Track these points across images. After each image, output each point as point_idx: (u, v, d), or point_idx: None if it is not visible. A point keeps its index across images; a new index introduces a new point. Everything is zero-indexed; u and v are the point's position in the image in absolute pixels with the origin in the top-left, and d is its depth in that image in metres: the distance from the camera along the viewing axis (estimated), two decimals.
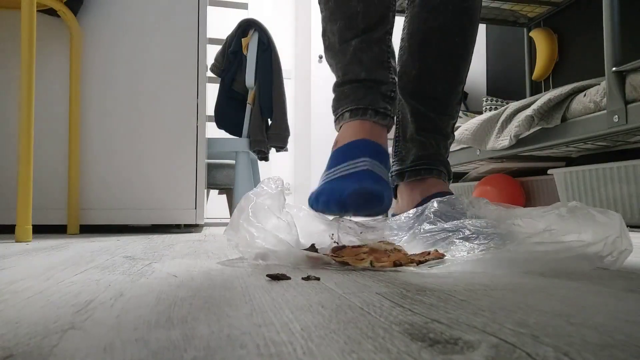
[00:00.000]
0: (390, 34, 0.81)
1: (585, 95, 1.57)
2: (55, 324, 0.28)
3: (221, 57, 2.27)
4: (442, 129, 0.94)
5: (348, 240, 0.64)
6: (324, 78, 3.18)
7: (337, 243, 0.63)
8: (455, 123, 0.97)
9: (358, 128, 0.77)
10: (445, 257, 0.55)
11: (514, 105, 1.87)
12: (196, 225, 1.61)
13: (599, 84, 1.53)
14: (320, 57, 3.19)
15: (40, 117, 1.33)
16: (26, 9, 1.04)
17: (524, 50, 2.65)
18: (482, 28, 2.98)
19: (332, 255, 0.57)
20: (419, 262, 0.53)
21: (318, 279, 0.45)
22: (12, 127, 1.30)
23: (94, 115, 1.38)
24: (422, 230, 0.64)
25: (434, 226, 0.63)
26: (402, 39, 0.95)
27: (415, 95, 0.93)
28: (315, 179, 3.11)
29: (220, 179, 2.37)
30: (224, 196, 2.64)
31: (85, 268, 0.54)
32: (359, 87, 0.79)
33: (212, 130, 2.25)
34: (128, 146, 1.39)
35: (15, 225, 1.01)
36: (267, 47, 2.18)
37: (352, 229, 0.67)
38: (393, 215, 0.79)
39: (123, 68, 1.40)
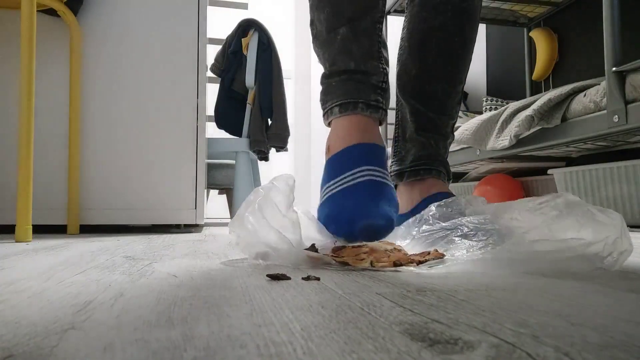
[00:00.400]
0: (381, 23, 0.78)
1: (585, 95, 1.57)
2: (55, 324, 0.28)
3: (221, 57, 2.27)
4: (441, 129, 0.93)
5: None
6: None
7: (335, 243, 0.63)
8: (455, 123, 0.97)
9: (349, 126, 0.73)
10: (445, 257, 0.55)
11: (514, 105, 1.87)
12: (196, 225, 1.61)
13: (599, 84, 1.53)
14: None
15: (41, 117, 1.33)
16: (26, 9, 1.04)
17: (524, 50, 2.65)
18: (482, 28, 2.98)
19: (332, 256, 0.57)
20: (419, 262, 0.53)
21: (318, 279, 0.45)
22: (12, 127, 1.30)
23: (94, 115, 1.38)
24: (420, 231, 0.64)
25: (432, 226, 0.63)
26: (401, 39, 0.95)
27: (414, 95, 0.93)
28: (315, 179, 3.11)
29: (220, 179, 2.37)
30: (224, 196, 2.64)
31: (85, 268, 0.54)
32: (348, 80, 0.75)
33: (212, 130, 2.25)
34: (128, 146, 1.39)
35: (15, 225, 1.01)
36: (267, 47, 2.18)
37: None
38: None
39: (123, 68, 1.40)
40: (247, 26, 2.20)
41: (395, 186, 0.96)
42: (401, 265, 0.53)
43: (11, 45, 1.32)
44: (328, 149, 0.74)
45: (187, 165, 1.43)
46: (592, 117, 1.52)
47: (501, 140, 1.86)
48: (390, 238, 0.68)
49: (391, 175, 0.96)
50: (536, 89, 2.60)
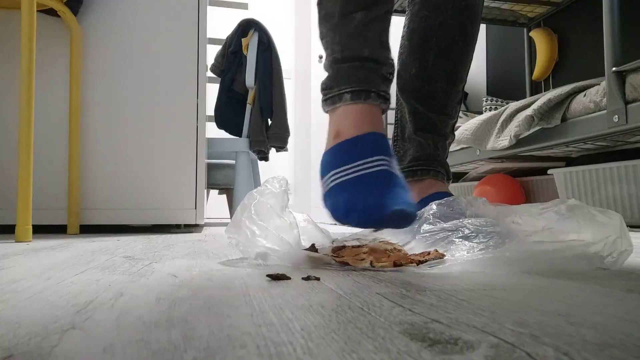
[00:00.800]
0: (391, 13, 0.77)
1: (585, 95, 1.57)
2: (55, 324, 0.28)
3: (221, 57, 2.27)
4: (440, 129, 0.93)
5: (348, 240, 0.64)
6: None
7: (333, 243, 0.64)
8: (455, 123, 0.96)
9: (362, 114, 0.72)
10: (446, 257, 0.55)
11: (514, 105, 1.87)
12: (196, 225, 1.61)
13: (599, 84, 1.53)
14: (320, 57, 3.19)
15: (41, 117, 1.33)
16: (26, 9, 1.04)
17: (524, 50, 2.65)
18: (482, 28, 2.98)
19: (332, 256, 0.57)
20: (419, 262, 0.53)
21: (318, 279, 0.45)
22: (13, 127, 1.30)
23: (94, 115, 1.38)
24: (421, 231, 0.64)
25: (433, 226, 0.63)
26: (402, 37, 0.95)
27: (414, 94, 0.92)
28: (315, 179, 3.11)
29: (220, 179, 2.37)
30: (224, 196, 2.64)
31: (85, 268, 0.54)
32: (361, 67, 0.74)
33: (212, 130, 2.25)
34: (128, 146, 1.39)
35: (15, 225, 1.01)
36: (267, 47, 2.18)
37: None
38: None
39: (123, 68, 1.40)
40: (247, 26, 2.20)
41: None
42: (401, 265, 0.53)
43: (11, 45, 1.32)
44: (337, 133, 0.72)
45: (187, 165, 1.43)
46: (592, 117, 1.52)
47: (501, 140, 1.86)
48: (391, 236, 0.68)
49: None
50: (536, 89, 2.60)
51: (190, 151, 1.43)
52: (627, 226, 1.62)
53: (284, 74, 2.30)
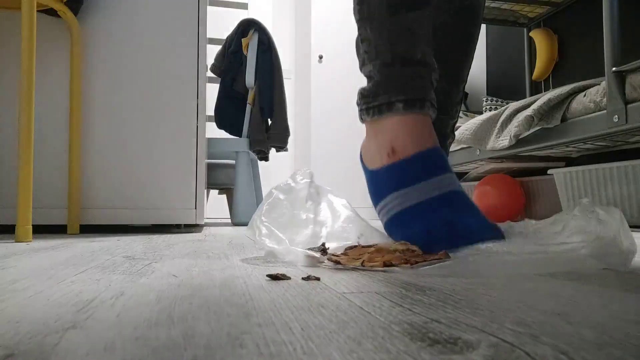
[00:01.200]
0: (432, 16, 0.72)
1: (585, 95, 1.57)
2: (56, 323, 0.28)
3: (221, 57, 2.27)
4: (440, 129, 0.93)
5: (374, 242, 0.63)
6: (324, 78, 3.18)
7: (360, 238, 0.62)
8: (455, 123, 0.96)
9: (418, 127, 0.66)
10: (450, 259, 0.54)
11: (514, 105, 1.87)
12: (196, 225, 1.61)
13: (599, 84, 1.53)
14: (320, 57, 3.19)
15: (41, 117, 1.33)
16: (26, 9, 1.04)
17: (524, 50, 2.65)
18: (482, 28, 2.98)
19: (331, 255, 0.57)
20: (415, 263, 0.52)
21: (318, 279, 0.46)
22: (12, 127, 1.30)
23: (94, 115, 1.38)
24: None
25: None
26: None
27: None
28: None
29: (220, 179, 2.37)
30: (224, 196, 2.64)
31: (85, 268, 0.54)
32: (413, 73, 0.67)
33: (212, 130, 2.25)
34: (128, 146, 1.39)
35: (15, 225, 1.01)
36: (267, 47, 2.18)
37: (380, 232, 0.65)
38: None
39: (123, 68, 1.40)
40: (247, 26, 2.20)
41: None
42: (392, 265, 0.52)
43: (11, 45, 1.33)
44: (392, 150, 0.65)
45: (187, 165, 1.43)
46: (592, 117, 1.52)
47: (501, 140, 1.86)
48: None
49: None
50: (536, 89, 2.60)
51: (190, 151, 1.43)
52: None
53: (284, 74, 2.30)
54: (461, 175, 2.61)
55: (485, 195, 2.21)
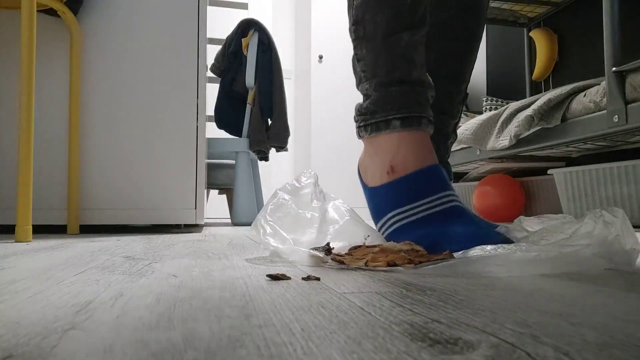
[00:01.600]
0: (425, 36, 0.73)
1: (585, 95, 1.57)
2: (55, 324, 0.28)
3: (221, 57, 2.27)
4: (442, 129, 0.93)
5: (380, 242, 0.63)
6: (324, 78, 3.18)
7: (366, 239, 0.62)
8: (457, 123, 0.96)
9: (417, 144, 0.67)
10: (455, 259, 0.53)
11: (514, 105, 1.87)
12: (196, 225, 1.61)
13: (599, 84, 1.53)
14: (320, 57, 3.19)
15: (41, 117, 1.33)
16: (26, 9, 1.04)
17: (524, 50, 2.65)
18: None
19: (334, 255, 0.58)
20: (419, 263, 0.53)
21: (318, 279, 0.45)
22: (12, 127, 1.30)
23: (94, 115, 1.38)
24: None
25: None
26: None
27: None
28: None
29: (220, 179, 2.37)
30: (224, 196, 2.64)
31: (85, 268, 0.54)
32: (410, 91, 0.69)
33: (212, 130, 2.25)
34: (128, 146, 1.39)
35: (15, 225, 1.01)
36: (267, 47, 2.18)
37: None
38: None
39: (123, 68, 1.40)
40: (247, 26, 2.20)
41: None
42: (395, 265, 0.53)
43: (11, 45, 1.32)
44: (392, 168, 0.67)
45: (187, 165, 1.43)
46: (592, 117, 1.52)
47: (501, 140, 1.86)
48: None
49: None
50: (536, 89, 2.60)
51: (190, 151, 1.43)
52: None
53: (284, 74, 2.30)
54: (461, 175, 2.61)
55: (485, 195, 2.21)
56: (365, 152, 0.73)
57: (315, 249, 0.59)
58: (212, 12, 3.31)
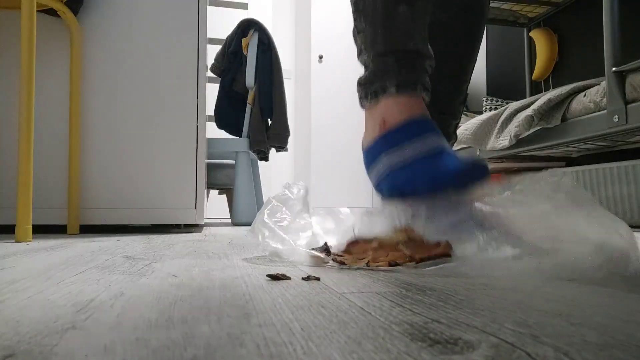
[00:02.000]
0: (431, 4, 0.75)
1: (585, 95, 1.57)
2: (56, 323, 0.28)
3: (221, 57, 2.27)
4: (443, 129, 0.93)
5: (370, 230, 0.64)
6: (324, 78, 3.18)
7: (358, 239, 0.64)
8: (458, 123, 0.96)
9: (410, 103, 0.70)
10: (452, 257, 0.53)
11: (514, 105, 1.87)
12: (196, 225, 1.61)
13: (599, 84, 1.53)
14: (320, 57, 3.19)
15: (41, 117, 1.33)
16: (26, 9, 1.04)
17: (524, 50, 2.65)
18: None
19: (333, 255, 0.59)
20: (420, 260, 0.53)
21: (318, 279, 0.45)
22: (12, 127, 1.30)
23: (94, 115, 1.38)
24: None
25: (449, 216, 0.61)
26: None
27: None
28: (315, 178, 3.11)
29: (220, 179, 2.37)
30: (224, 196, 2.64)
31: (85, 268, 0.54)
32: (406, 60, 0.71)
33: (212, 130, 2.25)
34: (128, 146, 1.39)
35: (15, 225, 1.01)
36: (267, 47, 2.18)
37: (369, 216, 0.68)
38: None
39: (123, 68, 1.40)
40: (247, 26, 2.20)
41: None
42: (397, 265, 0.53)
43: (11, 45, 1.32)
44: (383, 122, 0.70)
45: (187, 165, 1.43)
46: (592, 117, 1.52)
47: (501, 140, 1.86)
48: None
49: None
50: (536, 89, 2.60)
51: (190, 151, 1.43)
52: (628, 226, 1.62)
53: (284, 74, 2.30)
54: None
55: None
56: (365, 125, 0.75)
57: (314, 249, 0.60)
58: (212, 12, 3.30)
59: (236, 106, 2.26)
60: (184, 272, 0.51)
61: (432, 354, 0.22)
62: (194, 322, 0.29)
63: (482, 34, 0.94)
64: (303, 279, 0.45)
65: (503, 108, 1.93)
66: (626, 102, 1.39)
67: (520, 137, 1.78)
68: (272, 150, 2.27)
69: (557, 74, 2.48)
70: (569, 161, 2.10)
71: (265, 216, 0.64)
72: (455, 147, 2.20)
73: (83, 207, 1.34)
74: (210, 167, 2.31)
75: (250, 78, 2.14)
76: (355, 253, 0.59)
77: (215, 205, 3.04)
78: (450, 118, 0.93)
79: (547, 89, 2.48)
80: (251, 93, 2.18)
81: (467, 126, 2.10)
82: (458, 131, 2.09)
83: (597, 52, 2.08)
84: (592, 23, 2.22)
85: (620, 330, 0.26)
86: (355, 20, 0.75)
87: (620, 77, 1.40)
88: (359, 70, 0.76)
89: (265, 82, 2.17)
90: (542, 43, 2.45)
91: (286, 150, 2.29)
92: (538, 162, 2.16)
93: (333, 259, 0.57)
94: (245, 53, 2.16)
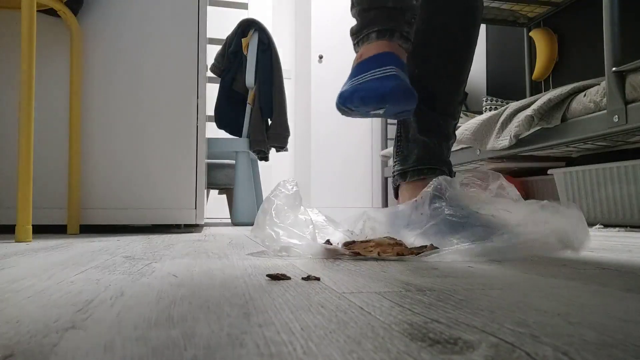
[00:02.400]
0: None
1: (585, 95, 1.57)
2: (56, 323, 0.28)
3: (221, 57, 2.27)
4: (444, 129, 0.93)
5: (357, 236, 0.75)
6: (324, 78, 3.18)
7: (350, 236, 0.74)
8: (457, 124, 0.97)
9: (384, 45, 0.79)
10: (439, 250, 0.63)
11: (514, 105, 1.87)
12: (196, 225, 1.61)
13: (599, 84, 1.53)
14: (320, 57, 3.19)
15: (41, 117, 1.33)
16: (26, 9, 1.04)
17: (524, 50, 2.65)
18: (482, 28, 2.98)
19: (346, 248, 0.65)
20: (417, 253, 0.62)
21: (318, 279, 0.46)
22: (12, 127, 1.30)
23: (94, 115, 1.38)
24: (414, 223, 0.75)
25: (421, 223, 0.73)
26: None
27: (418, 95, 0.93)
28: (315, 179, 3.11)
29: (220, 179, 2.37)
30: (224, 196, 2.64)
31: (85, 268, 0.54)
32: (387, 13, 0.81)
33: (212, 130, 2.25)
34: (128, 146, 1.39)
35: (15, 225, 1.01)
36: (267, 47, 2.18)
37: (363, 230, 0.78)
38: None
39: (123, 68, 1.40)
40: (247, 26, 2.20)
41: (398, 186, 0.96)
42: (403, 255, 0.62)
43: (11, 45, 1.33)
44: (359, 56, 0.81)
45: (187, 165, 1.43)
46: (592, 117, 1.52)
47: (501, 140, 1.86)
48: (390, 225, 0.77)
49: (394, 175, 0.96)
50: (536, 89, 2.60)
51: (190, 151, 1.43)
52: (627, 226, 1.62)
53: (284, 74, 2.30)
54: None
55: None
56: None
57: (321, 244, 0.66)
58: (212, 12, 3.31)
59: (236, 106, 2.26)
60: (184, 271, 0.51)
61: (432, 354, 0.22)
62: (194, 322, 0.29)
63: (477, 36, 0.98)
64: (303, 279, 0.45)
65: (503, 108, 1.93)
66: (626, 102, 1.39)
67: (520, 137, 1.78)
68: (272, 150, 2.27)
69: (557, 74, 2.48)
70: (569, 161, 2.10)
71: (274, 216, 0.69)
72: (456, 147, 2.20)
73: (83, 207, 1.34)
74: (210, 167, 2.31)
75: (250, 78, 2.14)
76: (358, 249, 0.66)
77: (215, 205, 3.04)
78: (451, 118, 0.94)
79: (547, 89, 2.48)
80: (251, 93, 2.18)
81: (467, 126, 2.10)
82: (458, 131, 2.09)
83: (597, 52, 2.08)
84: (592, 23, 2.22)
85: (619, 330, 0.26)
86: None
87: (620, 77, 1.40)
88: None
89: (265, 82, 2.17)
90: (542, 43, 2.45)
91: (286, 150, 2.29)
92: (538, 162, 2.16)
93: (348, 249, 0.64)
94: (245, 53, 2.16)
